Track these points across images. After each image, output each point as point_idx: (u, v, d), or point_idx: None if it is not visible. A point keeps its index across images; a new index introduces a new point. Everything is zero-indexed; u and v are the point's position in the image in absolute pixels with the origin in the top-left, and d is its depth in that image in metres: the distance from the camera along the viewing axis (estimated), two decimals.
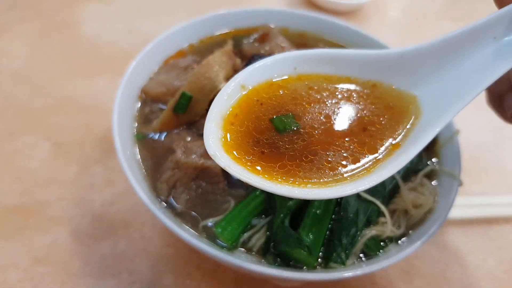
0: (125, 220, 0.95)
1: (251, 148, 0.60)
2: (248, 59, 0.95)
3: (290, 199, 0.76)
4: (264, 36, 1.05)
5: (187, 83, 0.87)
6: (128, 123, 0.88)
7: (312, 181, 0.58)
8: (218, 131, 0.61)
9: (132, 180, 0.73)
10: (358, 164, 0.59)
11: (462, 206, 1.02)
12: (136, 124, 0.90)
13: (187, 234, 0.69)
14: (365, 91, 0.67)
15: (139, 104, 0.94)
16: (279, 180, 0.57)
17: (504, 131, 1.12)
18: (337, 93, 0.67)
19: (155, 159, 0.86)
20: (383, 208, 0.79)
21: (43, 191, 0.99)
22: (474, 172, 1.15)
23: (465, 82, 0.60)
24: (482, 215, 1.06)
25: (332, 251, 0.74)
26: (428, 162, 0.91)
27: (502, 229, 1.05)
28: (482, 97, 0.69)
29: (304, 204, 0.77)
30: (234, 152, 0.59)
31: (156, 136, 0.89)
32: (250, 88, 0.66)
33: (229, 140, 0.61)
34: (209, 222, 0.78)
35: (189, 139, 0.87)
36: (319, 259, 0.75)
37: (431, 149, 0.92)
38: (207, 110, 0.86)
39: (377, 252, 0.77)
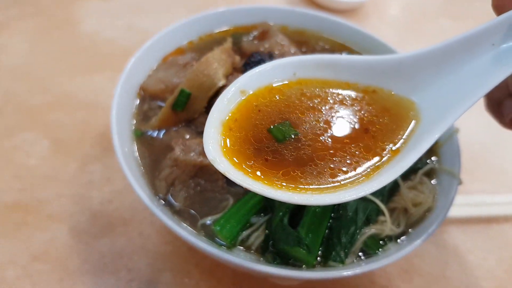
0: (123, 217, 0.95)
1: (251, 154, 0.61)
2: (248, 57, 0.95)
3: None
4: (264, 34, 1.04)
5: (185, 80, 0.86)
6: (127, 120, 0.88)
7: (312, 187, 0.58)
8: (218, 136, 0.61)
9: (130, 177, 0.73)
10: (358, 170, 0.60)
11: (462, 205, 1.02)
12: (135, 121, 0.90)
13: (185, 232, 0.69)
14: (364, 96, 0.68)
15: (137, 101, 0.93)
16: (279, 186, 0.58)
17: (504, 130, 1.12)
18: (336, 99, 0.68)
19: (153, 156, 0.85)
20: (382, 206, 0.79)
21: (41, 188, 0.99)
22: (474, 171, 1.15)
23: (463, 88, 0.60)
24: (482, 214, 1.05)
25: (331, 249, 0.74)
26: (428, 161, 0.90)
27: (502, 228, 1.04)
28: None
29: None
30: (234, 158, 0.60)
31: (155, 134, 0.88)
32: (250, 93, 0.66)
33: (228, 145, 0.61)
34: (208, 220, 0.78)
35: (187, 136, 0.86)
36: (318, 258, 0.75)
37: (430, 147, 0.92)
38: (206, 108, 0.88)
39: (377, 251, 0.77)
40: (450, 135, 0.89)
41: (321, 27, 1.11)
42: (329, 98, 0.67)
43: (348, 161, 0.61)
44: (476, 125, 1.19)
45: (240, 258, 0.69)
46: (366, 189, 0.57)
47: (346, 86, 0.69)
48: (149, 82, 0.95)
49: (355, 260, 0.76)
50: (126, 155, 0.79)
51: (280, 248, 0.73)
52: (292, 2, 1.66)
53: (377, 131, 0.64)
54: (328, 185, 0.58)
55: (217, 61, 0.88)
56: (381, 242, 0.79)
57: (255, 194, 0.77)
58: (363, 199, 0.78)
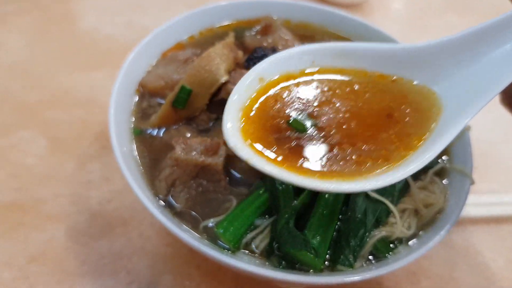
0: (123, 218, 0.94)
1: (273, 141, 0.61)
2: (251, 52, 0.93)
3: (295, 198, 0.74)
4: (267, 28, 1.03)
5: (186, 76, 0.85)
6: (125, 118, 0.87)
7: (335, 174, 0.58)
8: (237, 123, 0.61)
9: (129, 178, 0.72)
10: (383, 159, 0.60)
11: (471, 205, 0.99)
12: (134, 119, 0.89)
13: (186, 235, 0.68)
14: (384, 85, 0.68)
15: (136, 98, 0.92)
16: (301, 172, 0.58)
17: (511, 128, 1.12)
18: (355, 87, 0.68)
19: (153, 156, 0.84)
20: (392, 207, 0.77)
21: (39, 187, 0.98)
22: (483, 170, 1.13)
23: (485, 79, 0.61)
24: (491, 214, 1.04)
25: (340, 253, 0.72)
26: (438, 160, 0.88)
27: None
28: None
29: (310, 204, 0.75)
30: (255, 145, 0.60)
31: (155, 132, 0.87)
32: (268, 81, 0.67)
33: (248, 132, 0.61)
34: (210, 223, 0.76)
35: (188, 135, 0.85)
36: (326, 262, 0.73)
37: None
38: (207, 105, 0.86)
39: (386, 254, 0.75)
40: (462, 133, 0.86)
41: (325, 21, 1.09)
42: (348, 87, 0.68)
43: (371, 150, 0.61)
44: (483, 123, 1.17)
45: (244, 263, 0.68)
46: (391, 178, 0.57)
47: (364, 75, 0.69)
48: (148, 79, 0.93)
49: (364, 264, 0.74)
50: (125, 154, 0.78)
51: (286, 252, 0.71)
52: None
53: (400, 121, 0.64)
54: (353, 173, 0.59)
55: (219, 56, 0.86)
56: (391, 245, 0.77)
57: (259, 195, 0.77)
58: (372, 200, 0.76)
